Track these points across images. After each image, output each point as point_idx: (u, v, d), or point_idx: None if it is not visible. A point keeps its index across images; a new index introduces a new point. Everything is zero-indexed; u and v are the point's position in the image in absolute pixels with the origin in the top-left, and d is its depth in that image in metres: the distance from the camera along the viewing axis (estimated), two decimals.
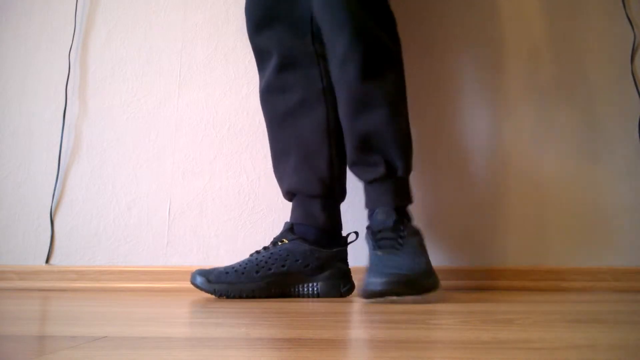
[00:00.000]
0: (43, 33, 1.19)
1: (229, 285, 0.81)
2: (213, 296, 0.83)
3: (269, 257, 0.83)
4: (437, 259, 1.03)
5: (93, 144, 1.13)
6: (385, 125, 0.83)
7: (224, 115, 1.12)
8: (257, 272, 0.82)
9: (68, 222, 1.10)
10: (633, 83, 1.06)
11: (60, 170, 1.12)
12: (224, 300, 0.80)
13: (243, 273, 0.82)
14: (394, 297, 0.70)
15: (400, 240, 0.79)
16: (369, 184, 0.86)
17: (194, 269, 1.02)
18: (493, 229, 1.03)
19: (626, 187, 1.03)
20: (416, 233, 0.81)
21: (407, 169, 0.85)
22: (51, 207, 1.11)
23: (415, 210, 0.89)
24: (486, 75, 1.09)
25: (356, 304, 0.71)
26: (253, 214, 1.07)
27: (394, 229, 0.80)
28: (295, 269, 0.83)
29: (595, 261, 1.01)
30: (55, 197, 1.11)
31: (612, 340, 0.39)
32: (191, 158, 1.11)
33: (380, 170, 0.83)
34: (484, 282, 0.99)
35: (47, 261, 1.08)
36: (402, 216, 0.83)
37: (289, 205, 0.92)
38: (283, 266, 0.82)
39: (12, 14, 1.21)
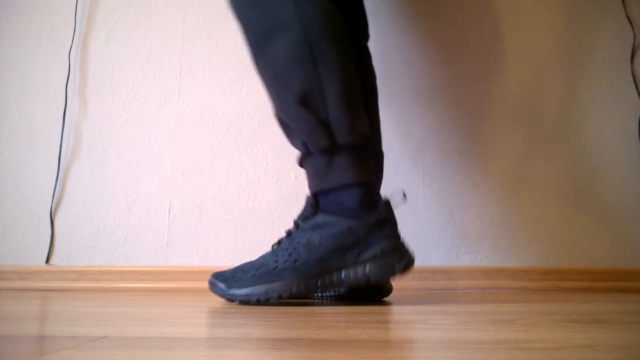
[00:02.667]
0: (43, 33, 1.19)
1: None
2: (214, 297, 0.82)
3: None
4: (426, 259, 1.03)
5: (93, 144, 1.13)
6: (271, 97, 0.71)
7: (224, 115, 1.12)
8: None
9: (68, 222, 1.10)
10: (633, 83, 1.06)
11: (60, 170, 1.12)
12: (225, 301, 0.79)
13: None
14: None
15: (282, 239, 0.71)
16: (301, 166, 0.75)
17: (193, 269, 1.03)
18: (492, 229, 1.03)
19: (626, 187, 1.03)
20: (315, 227, 0.67)
21: (315, 145, 0.68)
22: (51, 207, 1.10)
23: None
24: (483, 76, 1.10)
25: (355, 304, 0.71)
26: (253, 214, 1.07)
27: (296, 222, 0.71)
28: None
29: (595, 261, 1.01)
30: (55, 197, 1.11)
31: (612, 340, 0.39)
32: (191, 158, 1.11)
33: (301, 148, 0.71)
34: (483, 282, 0.99)
35: (47, 261, 1.08)
36: (315, 207, 0.70)
37: (288, 205, 0.92)
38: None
39: (12, 14, 1.21)
